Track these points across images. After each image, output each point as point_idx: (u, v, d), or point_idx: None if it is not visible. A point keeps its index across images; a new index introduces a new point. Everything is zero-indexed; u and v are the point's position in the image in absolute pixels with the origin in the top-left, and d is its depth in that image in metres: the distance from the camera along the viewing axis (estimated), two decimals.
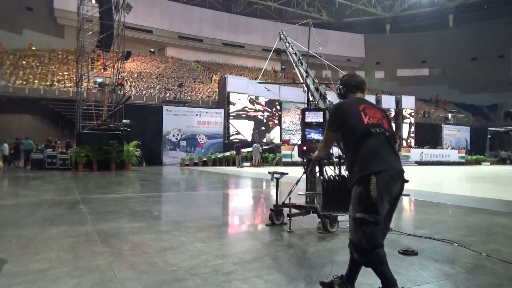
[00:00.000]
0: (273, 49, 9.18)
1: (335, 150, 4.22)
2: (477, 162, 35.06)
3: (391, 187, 2.29)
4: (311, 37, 6.40)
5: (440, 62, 55.77)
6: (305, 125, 4.31)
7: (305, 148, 4.23)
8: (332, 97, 5.23)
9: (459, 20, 55.31)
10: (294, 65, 7.28)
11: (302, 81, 6.34)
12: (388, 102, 36.09)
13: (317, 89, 5.39)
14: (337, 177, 2.97)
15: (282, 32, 8.76)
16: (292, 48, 7.78)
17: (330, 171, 4.60)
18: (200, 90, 35.16)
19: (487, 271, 3.16)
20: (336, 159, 3.54)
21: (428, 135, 38.95)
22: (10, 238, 4.16)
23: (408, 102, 37.90)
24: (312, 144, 4.28)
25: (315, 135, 4.30)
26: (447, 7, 54.33)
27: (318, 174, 4.10)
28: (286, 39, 8.35)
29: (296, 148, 5.11)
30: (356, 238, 2.34)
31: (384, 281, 2.31)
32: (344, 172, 3.09)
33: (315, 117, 4.35)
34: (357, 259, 2.36)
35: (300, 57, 7.05)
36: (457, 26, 55.28)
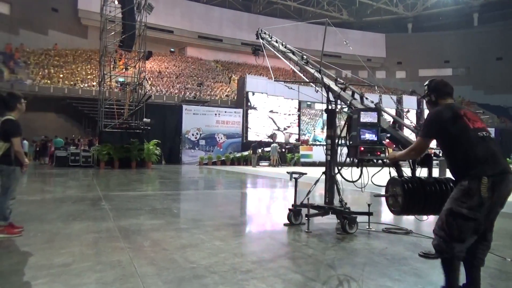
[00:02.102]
0: (262, 48, 7.87)
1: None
2: None
3: (501, 189, 2.32)
4: (337, 37, 6.20)
5: (464, 62, 54.28)
6: (360, 126, 4.30)
7: (362, 148, 4.24)
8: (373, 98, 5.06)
9: (484, 19, 53.67)
10: (294, 64, 6.45)
11: (307, 80, 6.09)
12: (409, 102, 35.22)
13: (344, 89, 5.20)
14: (415, 179, 2.95)
15: (262, 31, 7.62)
16: (285, 47, 6.85)
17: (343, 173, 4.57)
18: (219, 89, 35.36)
19: (511, 277, 3.08)
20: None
21: None
22: (35, 232, 4.30)
23: None
24: (367, 145, 4.28)
25: (369, 135, 4.30)
26: (472, 5, 52.81)
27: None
28: (271, 38, 7.37)
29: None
30: (446, 229, 2.38)
31: (448, 284, 2.43)
32: (419, 175, 3.07)
33: (367, 117, 4.35)
34: (435, 246, 2.43)
35: (304, 56, 6.29)
36: (482, 25, 53.65)
